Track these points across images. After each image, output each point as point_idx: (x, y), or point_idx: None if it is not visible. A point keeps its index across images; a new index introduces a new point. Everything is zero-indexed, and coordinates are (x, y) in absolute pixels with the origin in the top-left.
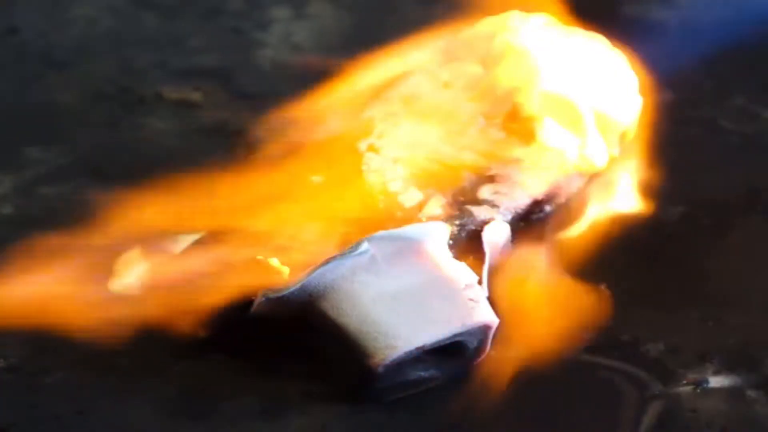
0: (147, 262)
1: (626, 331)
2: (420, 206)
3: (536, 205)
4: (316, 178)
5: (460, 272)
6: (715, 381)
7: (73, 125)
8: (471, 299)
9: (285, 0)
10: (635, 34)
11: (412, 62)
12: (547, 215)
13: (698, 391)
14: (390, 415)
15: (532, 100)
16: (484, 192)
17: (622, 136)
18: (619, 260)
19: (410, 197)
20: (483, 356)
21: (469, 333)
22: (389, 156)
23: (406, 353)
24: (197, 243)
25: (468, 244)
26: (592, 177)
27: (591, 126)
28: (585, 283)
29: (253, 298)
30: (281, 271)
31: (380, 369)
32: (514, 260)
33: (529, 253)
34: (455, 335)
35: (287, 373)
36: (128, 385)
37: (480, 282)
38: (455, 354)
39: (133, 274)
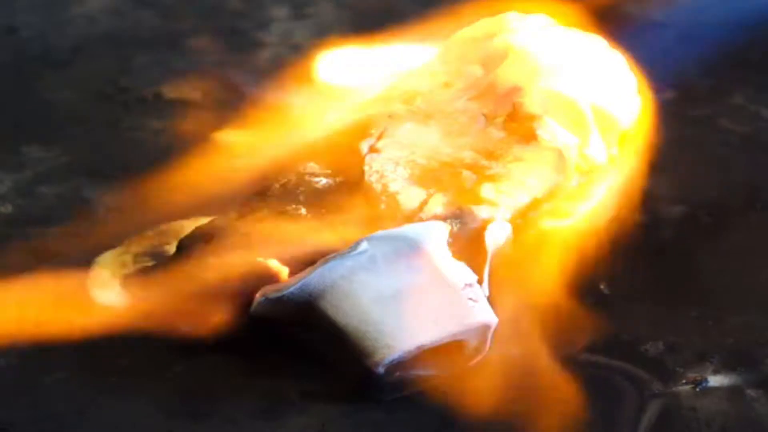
0: (134, 266)
1: (626, 330)
2: (421, 206)
3: (536, 204)
4: (317, 179)
5: (460, 272)
6: (715, 380)
7: (73, 125)
8: (470, 299)
9: (285, 0)
10: (635, 34)
11: (412, 62)
12: (547, 214)
13: (698, 390)
14: (390, 415)
15: (533, 100)
16: (485, 191)
17: (622, 136)
18: (619, 260)
19: (411, 197)
20: (482, 356)
21: (469, 332)
22: (390, 156)
23: (405, 353)
24: (197, 243)
25: (468, 243)
26: (592, 176)
27: (591, 125)
28: (585, 282)
29: (253, 298)
30: (281, 271)
31: (380, 368)
32: (513, 259)
33: (529, 252)
34: (454, 335)
35: (287, 373)
36: (128, 385)
37: (480, 281)
38: (455, 353)
39: (111, 290)
